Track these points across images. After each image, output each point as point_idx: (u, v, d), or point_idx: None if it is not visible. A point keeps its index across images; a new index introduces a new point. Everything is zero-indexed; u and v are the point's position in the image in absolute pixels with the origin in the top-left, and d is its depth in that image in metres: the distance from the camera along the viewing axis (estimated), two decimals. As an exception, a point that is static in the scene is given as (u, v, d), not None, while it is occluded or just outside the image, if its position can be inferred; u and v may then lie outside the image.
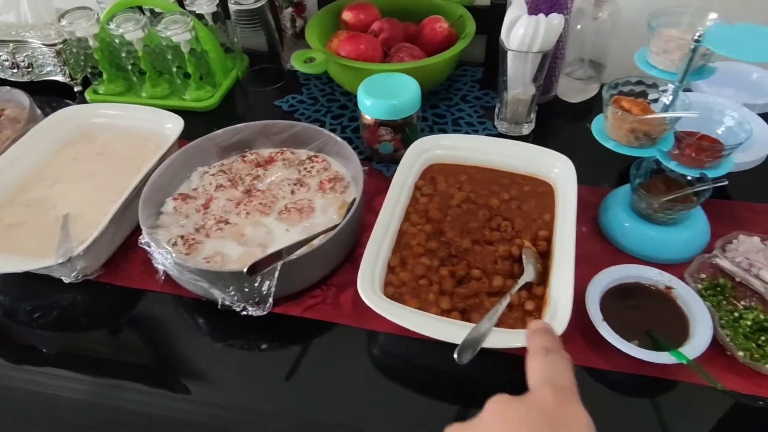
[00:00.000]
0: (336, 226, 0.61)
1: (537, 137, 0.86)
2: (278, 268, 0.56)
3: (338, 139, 0.71)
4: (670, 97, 0.61)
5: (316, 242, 0.60)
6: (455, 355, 0.48)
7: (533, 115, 0.85)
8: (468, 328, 0.51)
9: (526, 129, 0.85)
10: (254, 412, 0.55)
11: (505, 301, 0.55)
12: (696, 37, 0.56)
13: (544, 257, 0.62)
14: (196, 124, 0.86)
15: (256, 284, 0.56)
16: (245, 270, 0.53)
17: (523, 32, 0.72)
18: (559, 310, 0.54)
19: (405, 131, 0.76)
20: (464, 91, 0.95)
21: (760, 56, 0.54)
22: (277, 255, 0.57)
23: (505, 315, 0.57)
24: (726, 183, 0.62)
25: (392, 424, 0.54)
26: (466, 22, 0.87)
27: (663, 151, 0.61)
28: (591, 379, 0.57)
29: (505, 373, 0.58)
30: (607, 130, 0.63)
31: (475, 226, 0.65)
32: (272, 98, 0.95)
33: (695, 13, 0.63)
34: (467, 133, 0.86)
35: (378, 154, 0.79)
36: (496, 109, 0.86)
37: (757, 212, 0.71)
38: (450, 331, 0.51)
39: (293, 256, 0.57)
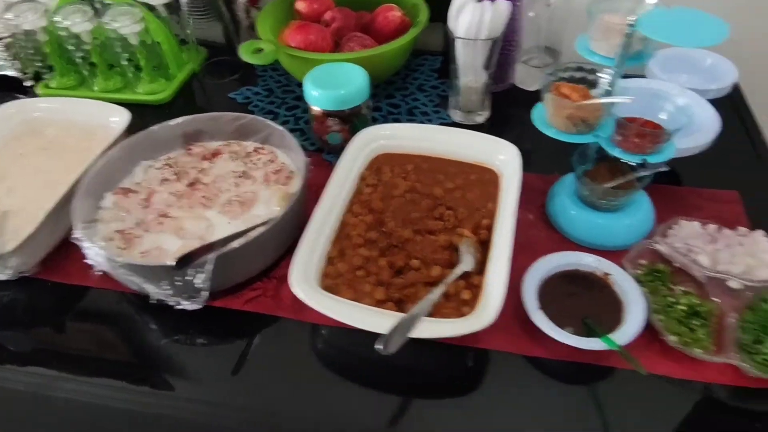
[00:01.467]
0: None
1: (492, 126, 0.85)
2: (211, 260, 0.55)
3: (282, 129, 0.70)
4: (608, 83, 0.61)
5: (252, 234, 0.59)
6: (380, 346, 0.48)
7: (488, 104, 0.84)
8: (398, 319, 0.51)
9: (481, 117, 0.85)
10: (202, 404, 0.55)
11: (438, 291, 0.55)
12: (629, 22, 0.55)
13: (486, 246, 0.61)
14: (150, 117, 0.84)
15: (189, 278, 0.55)
16: (173, 263, 0.53)
17: (469, 19, 0.72)
18: (491, 299, 0.53)
19: (353, 122, 0.75)
20: (421, 81, 0.94)
21: (692, 41, 0.53)
22: (209, 247, 0.56)
23: (442, 305, 0.56)
24: (666, 169, 0.61)
25: (337, 416, 0.54)
26: (419, 10, 0.87)
27: (601, 136, 0.61)
28: (531, 367, 0.57)
29: (446, 363, 0.58)
30: (548, 117, 0.63)
31: (417, 215, 0.65)
32: (228, 90, 0.94)
33: (636, -3, 0.63)
34: (421, 122, 0.85)
35: (328, 145, 0.78)
36: (450, 98, 0.85)
37: (703, 198, 0.71)
38: (379, 321, 0.51)
39: (227, 249, 0.56)
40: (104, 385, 0.57)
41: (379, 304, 0.56)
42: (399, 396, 0.56)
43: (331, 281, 0.59)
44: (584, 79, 0.64)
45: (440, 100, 0.89)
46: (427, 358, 0.59)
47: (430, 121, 0.86)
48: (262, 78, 0.96)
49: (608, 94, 0.61)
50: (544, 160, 0.79)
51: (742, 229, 0.63)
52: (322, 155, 0.80)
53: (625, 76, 0.80)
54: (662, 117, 0.65)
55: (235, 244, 0.58)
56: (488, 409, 0.54)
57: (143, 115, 0.80)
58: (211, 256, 0.55)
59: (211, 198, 0.67)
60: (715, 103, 0.84)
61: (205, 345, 0.61)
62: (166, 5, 0.91)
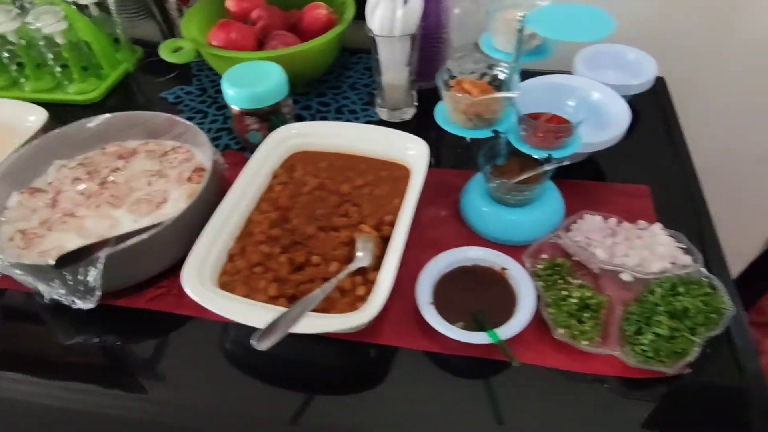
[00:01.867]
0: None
1: (419, 122, 0.85)
2: (102, 258, 0.55)
3: (194, 127, 0.71)
4: (506, 78, 0.61)
5: (150, 232, 0.59)
6: (253, 341, 0.48)
7: (414, 101, 0.84)
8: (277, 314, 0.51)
9: (408, 114, 0.85)
10: (108, 397, 0.56)
11: (329, 287, 0.55)
12: (519, 19, 0.56)
13: (388, 242, 0.61)
14: (81, 118, 0.84)
15: (80, 276, 0.55)
16: (53, 262, 0.53)
17: (380, 15, 0.72)
18: (378, 295, 0.53)
19: (271, 119, 0.75)
20: (354, 79, 0.94)
21: (578, 36, 0.54)
22: (100, 245, 0.56)
23: (337, 300, 0.57)
24: (567, 163, 0.62)
25: (242, 412, 0.54)
26: (347, 7, 0.87)
27: (501, 132, 0.61)
28: (428, 362, 0.57)
29: (348, 359, 0.59)
30: (449, 114, 0.63)
31: (322, 212, 0.65)
32: (163, 90, 0.94)
33: (535, -7, 0.63)
34: (348, 120, 0.85)
35: (249, 143, 0.78)
36: (376, 96, 0.85)
37: (615, 192, 0.72)
38: (262, 317, 0.51)
39: (119, 247, 0.56)
40: (9, 379, 0.58)
41: (272, 300, 0.56)
42: (302, 392, 0.56)
43: (229, 278, 0.59)
44: (485, 74, 0.64)
45: (370, 98, 0.89)
46: (329, 355, 0.59)
47: (357, 119, 0.86)
48: (197, 77, 0.96)
49: (506, 88, 0.61)
50: (464, 156, 0.79)
51: (642, 223, 0.63)
52: (246, 153, 0.80)
53: (549, 72, 0.81)
54: (569, 111, 0.65)
55: (130, 242, 0.58)
56: (387, 404, 0.54)
57: (74, 115, 0.80)
58: (102, 254, 0.55)
59: (121, 197, 0.67)
60: (641, 97, 0.85)
61: (109, 346, 0.61)
62: (98, 4, 0.91)
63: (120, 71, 0.96)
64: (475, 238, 0.67)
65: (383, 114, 0.85)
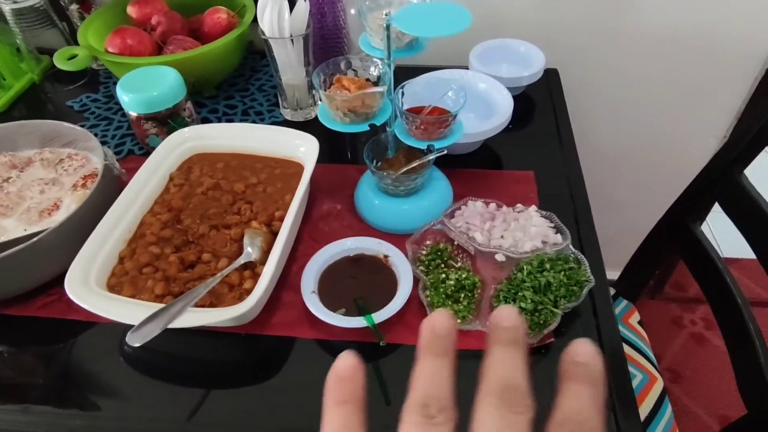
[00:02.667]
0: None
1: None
2: (-21, 267, 0.55)
3: (86, 132, 0.71)
4: (380, 74, 0.64)
5: (37, 237, 0.59)
6: (128, 337, 0.49)
7: (315, 99, 0.87)
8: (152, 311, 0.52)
9: (312, 113, 0.87)
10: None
11: (213, 282, 0.57)
12: (384, 16, 0.58)
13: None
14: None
15: (-40, 286, 0.55)
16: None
17: (269, 17, 0.74)
18: (260, 284, 0.55)
19: (170, 123, 0.76)
20: (263, 81, 0.96)
21: (438, 31, 0.57)
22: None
23: (226, 295, 0.58)
24: (445, 152, 0.65)
25: (143, 411, 0.55)
26: (247, 10, 0.88)
27: (376, 125, 0.64)
28: (318, 349, 0.59)
29: (243, 352, 0.60)
30: (329, 111, 0.65)
31: (215, 211, 0.66)
32: (70, 98, 0.94)
33: (408, -8, 0.66)
34: (254, 121, 0.87)
35: (150, 147, 0.79)
36: (279, 97, 0.87)
37: (503, 179, 0.76)
38: (140, 315, 0.52)
39: (6, 253, 0.56)
40: None
41: (158, 299, 0.57)
42: (201, 388, 0.57)
43: (117, 280, 0.59)
44: (366, 71, 0.67)
45: (276, 99, 0.91)
46: (226, 350, 0.60)
47: (263, 120, 0.87)
48: (105, 84, 0.96)
49: (382, 84, 0.64)
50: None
51: (519, 206, 0.67)
52: (149, 158, 0.80)
53: (440, 68, 0.85)
54: (449, 104, 0.68)
55: (16, 248, 0.58)
56: (281, 393, 0.56)
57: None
58: (-19, 263, 0.55)
59: (11, 207, 0.67)
60: (534, 88, 0.89)
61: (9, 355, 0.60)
62: (-6, 15, 0.90)
63: (24, 81, 0.95)
64: (368, 230, 0.70)
65: (287, 114, 0.87)
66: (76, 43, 0.98)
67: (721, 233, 1.60)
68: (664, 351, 1.45)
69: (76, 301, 0.54)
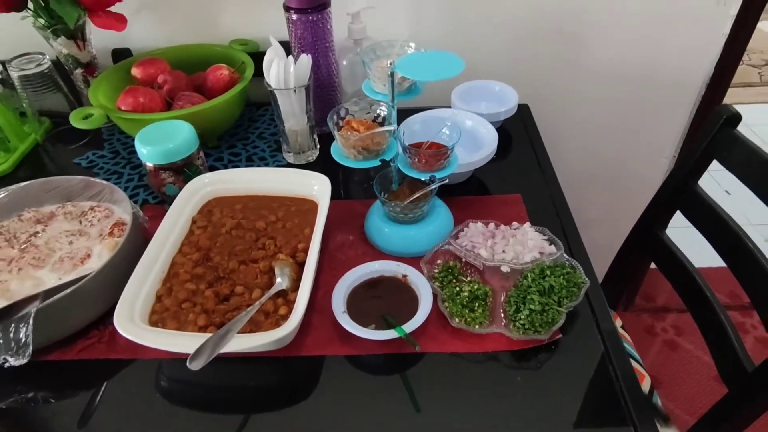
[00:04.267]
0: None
1: (324, 162, 0.95)
2: (30, 314, 0.58)
3: (111, 185, 0.76)
4: (386, 116, 0.73)
5: (77, 285, 0.63)
6: (188, 363, 0.54)
7: (316, 143, 0.94)
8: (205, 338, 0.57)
9: (313, 156, 0.95)
10: None
11: (252, 310, 0.62)
12: (389, 65, 0.67)
13: (303, 266, 0.69)
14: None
15: (11, 333, 0.58)
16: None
17: (275, 72, 0.82)
18: (297, 312, 0.61)
19: (185, 172, 0.82)
20: (261, 129, 1.03)
21: (436, 75, 0.66)
22: (28, 301, 0.59)
23: (263, 322, 0.63)
24: (446, 181, 0.73)
25: None
26: (247, 66, 0.96)
27: (386, 160, 0.72)
28: (349, 365, 0.64)
29: (280, 375, 0.64)
30: (341, 150, 0.73)
31: (241, 248, 0.72)
32: (75, 156, 0.98)
33: (403, 44, 0.75)
34: (258, 167, 0.93)
35: (167, 196, 0.84)
36: (282, 143, 0.94)
37: (495, 202, 0.84)
38: (195, 343, 0.56)
39: (49, 301, 0.60)
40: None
41: (202, 329, 0.62)
42: (240, 414, 0.60)
43: (158, 317, 0.64)
44: (371, 113, 0.75)
45: (277, 145, 0.98)
46: (263, 375, 0.64)
47: (267, 165, 0.94)
48: (109, 141, 1.01)
49: (387, 124, 0.72)
50: (364, 187, 0.90)
51: (515, 224, 0.76)
52: (165, 206, 0.85)
53: (429, 108, 0.95)
54: (444, 138, 0.77)
55: (58, 296, 0.61)
56: (319, 411, 0.60)
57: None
58: (32, 309, 0.58)
59: (43, 258, 0.71)
60: (510, 122, 1.00)
61: (44, 402, 0.62)
62: (1, 81, 0.95)
63: (29, 143, 0.98)
64: (380, 255, 0.76)
65: (290, 158, 0.94)
66: (79, 105, 1.03)
67: (685, 245, 1.74)
68: (643, 359, 1.54)
69: (130, 337, 0.58)
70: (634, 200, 1.29)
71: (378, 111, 0.74)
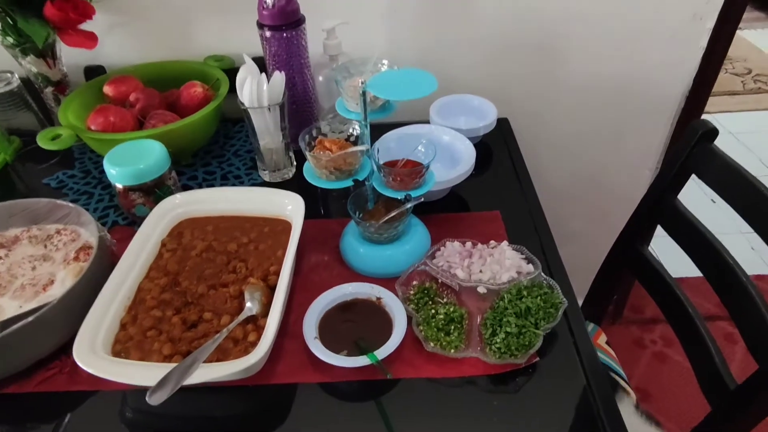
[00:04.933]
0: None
1: (300, 180, 0.93)
2: (-15, 346, 0.56)
3: (78, 207, 0.73)
4: (358, 134, 0.71)
5: (37, 313, 0.60)
6: (147, 397, 0.51)
7: (292, 161, 0.93)
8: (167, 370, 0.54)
9: (289, 174, 0.93)
10: None
11: (220, 337, 0.59)
12: (360, 84, 0.66)
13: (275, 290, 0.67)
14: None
15: (-36, 367, 0.55)
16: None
17: (248, 90, 0.80)
18: (265, 339, 0.59)
19: (156, 192, 0.80)
20: (237, 147, 1.01)
21: (410, 94, 0.64)
22: (-18, 334, 0.57)
23: (231, 350, 0.61)
24: (422, 200, 0.72)
25: None
26: (221, 83, 0.95)
27: (359, 180, 0.70)
28: (322, 393, 0.62)
29: (250, 404, 0.62)
30: (314, 170, 0.71)
31: (211, 272, 0.69)
32: (45, 176, 0.95)
33: (376, 61, 0.74)
34: (234, 185, 0.92)
35: (137, 217, 0.82)
36: (258, 161, 0.92)
37: (473, 220, 0.83)
38: (154, 375, 0.54)
39: (6, 332, 0.57)
40: None
41: (167, 359, 0.59)
42: None
43: (121, 346, 0.61)
44: (342, 131, 0.74)
45: (252, 162, 0.97)
46: (233, 404, 0.62)
47: (242, 183, 0.92)
48: (80, 161, 0.99)
49: (361, 143, 0.71)
50: (342, 206, 0.88)
51: (493, 242, 0.74)
52: (135, 227, 0.83)
53: (407, 123, 0.94)
54: (420, 155, 0.76)
55: (16, 326, 0.59)
56: None
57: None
58: (-14, 342, 0.56)
59: (4, 285, 0.68)
60: (490, 137, 0.99)
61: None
62: (-33, 101, 0.92)
63: (-3, 163, 0.96)
64: (355, 276, 0.74)
65: (266, 176, 0.92)
66: (50, 123, 1.01)
67: (666, 255, 1.74)
68: (632, 372, 1.53)
69: (89, 370, 0.55)
70: (617, 212, 1.28)
71: (351, 130, 0.73)
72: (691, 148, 0.76)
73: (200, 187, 0.92)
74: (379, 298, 0.67)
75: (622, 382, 0.95)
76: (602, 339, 1.02)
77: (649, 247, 0.92)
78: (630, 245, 0.92)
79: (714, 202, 1.82)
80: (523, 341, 0.61)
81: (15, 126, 1.00)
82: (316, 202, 0.89)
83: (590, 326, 1.04)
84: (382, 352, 0.60)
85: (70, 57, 1.00)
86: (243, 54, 0.84)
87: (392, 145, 0.77)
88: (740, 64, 3.07)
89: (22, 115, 0.98)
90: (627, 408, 0.93)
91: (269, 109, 0.83)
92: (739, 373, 0.69)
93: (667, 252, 0.91)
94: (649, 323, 1.66)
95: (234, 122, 1.07)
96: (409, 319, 0.65)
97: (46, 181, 0.94)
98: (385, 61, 0.73)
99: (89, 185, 0.93)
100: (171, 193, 0.81)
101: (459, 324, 0.64)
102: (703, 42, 1.03)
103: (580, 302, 1.08)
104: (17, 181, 0.97)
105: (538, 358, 0.62)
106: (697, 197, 0.83)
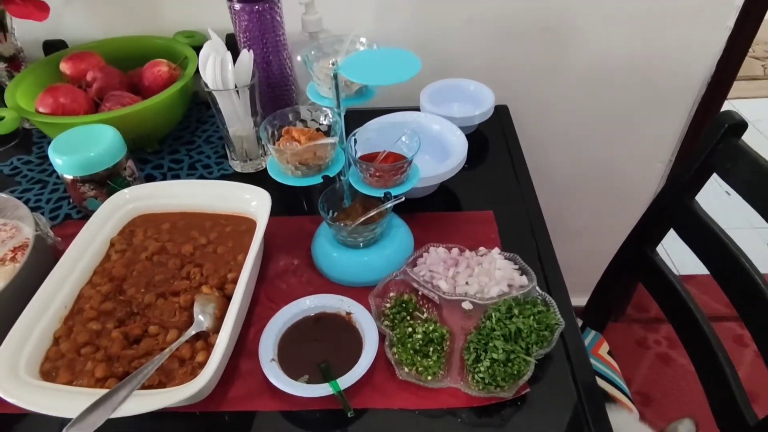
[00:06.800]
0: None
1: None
2: None
3: (13, 200, 0.66)
4: (331, 123, 0.62)
5: (-45, 327, 0.53)
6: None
7: (267, 150, 0.84)
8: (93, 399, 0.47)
9: (263, 164, 0.84)
10: None
11: (161, 359, 0.52)
12: (331, 66, 0.57)
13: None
14: None
15: None
16: None
17: (211, 70, 0.71)
18: (213, 359, 0.51)
19: (109, 184, 0.72)
20: (210, 132, 0.92)
21: (388, 79, 0.55)
22: None
23: (175, 371, 0.54)
24: (402, 199, 0.63)
25: None
26: (189, 62, 0.85)
27: (330, 176, 0.61)
28: (282, 421, 0.54)
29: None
30: (278, 165, 0.62)
31: (161, 278, 0.61)
32: (-1, 161, 0.87)
33: (353, 39, 0.65)
34: (202, 176, 0.83)
35: (90, 211, 0.73)
36: (227, 149, 0.84)
37: (462, 220, 0.74)
38: (77, 406, 0.46)
39: None
40: None
41: (99, 383, 0.52)
42: None
43: (51, 364, 0.54)
44: (313, 121, 0.65)
45: (225, 151, 0.88)
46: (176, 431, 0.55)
47: (211, 174, 0.84)
48: (39, 145, 0.90)
49: (334, 133, 0.62)
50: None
51: (482, 249, 0.65)
52: (89, 222, 0.75)
53: (393, 110, 0.84)
54: (403, 148, 0.67)
55: (-71, 341, 0.51)
56: None
57: None
58: None
59: (-71, 289, 0.60)
60: (486, 125, 0.89)
61: None
62: None
63: (-53, 146, 0.88)
64: (328, 285, 0.66)
65: (237, 166, 0.84)
66: (3, 104, 0.92)
67: (675, 251, 1.65)
68: (633, 374, 1.46)
69: (1, 396, 0.48)
70: (627, 208, 1.19)
71: (323, 119, 0.64)
72: (715, 143, 0.67)
73: (165, 177, 0.83)
74: (349, 313, 0.59)
75: (623, 398, 0.87)
76: (604, 349, 0.93)
77: (657, 255, 0.83)
78: (638, 250, 0.83)
79: (729, 194, 1.72)
80: (511, 370, 0.52)
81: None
82: (294, 196, 0.80)
83: (591, 334, 0.96)
84: (348, 379, 0.52)
85: (28, 31, 0.91)
86: (208, 29, 0.75)
87: (372, 136, 0.67)
88: (761, 47, 2.92)
89: (-22, 95, 0.89)
90: (628, 424, 0.85)
91: (237, 91, 0.74)
92: (747, 377, 0.60)
93: (671, 247, 0.82)
94: (653, 322, 1.57)
95: (208, 105, 0.98)
96: (382, 337, 0.57)
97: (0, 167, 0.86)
98: (363, 40, 0.64)
99: (45, 173, 0.85)
100: (127, 185, 0.73)
101: (439, 345, 0.56)
102: (731, 21, 0.92)
103: (579, 303, 1.00)
104: (-31, 167, 0.89)
105: (528, 389, 0.54)
106: (709, 187, 0.74)
